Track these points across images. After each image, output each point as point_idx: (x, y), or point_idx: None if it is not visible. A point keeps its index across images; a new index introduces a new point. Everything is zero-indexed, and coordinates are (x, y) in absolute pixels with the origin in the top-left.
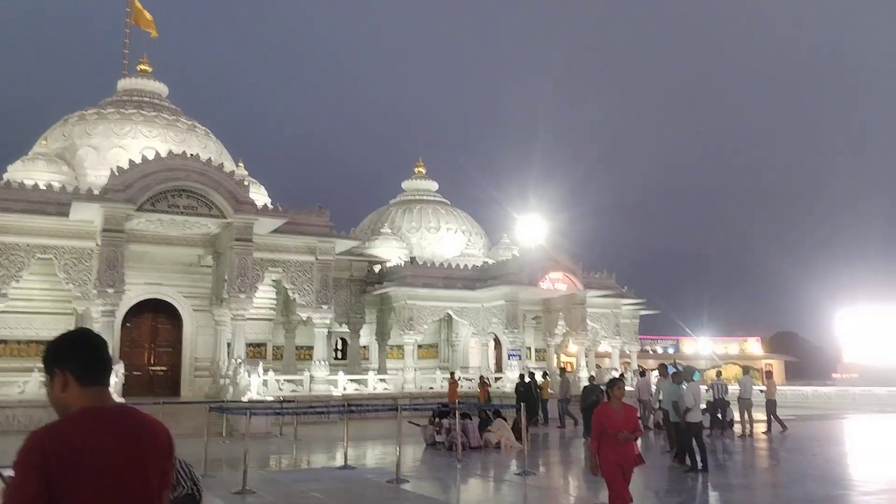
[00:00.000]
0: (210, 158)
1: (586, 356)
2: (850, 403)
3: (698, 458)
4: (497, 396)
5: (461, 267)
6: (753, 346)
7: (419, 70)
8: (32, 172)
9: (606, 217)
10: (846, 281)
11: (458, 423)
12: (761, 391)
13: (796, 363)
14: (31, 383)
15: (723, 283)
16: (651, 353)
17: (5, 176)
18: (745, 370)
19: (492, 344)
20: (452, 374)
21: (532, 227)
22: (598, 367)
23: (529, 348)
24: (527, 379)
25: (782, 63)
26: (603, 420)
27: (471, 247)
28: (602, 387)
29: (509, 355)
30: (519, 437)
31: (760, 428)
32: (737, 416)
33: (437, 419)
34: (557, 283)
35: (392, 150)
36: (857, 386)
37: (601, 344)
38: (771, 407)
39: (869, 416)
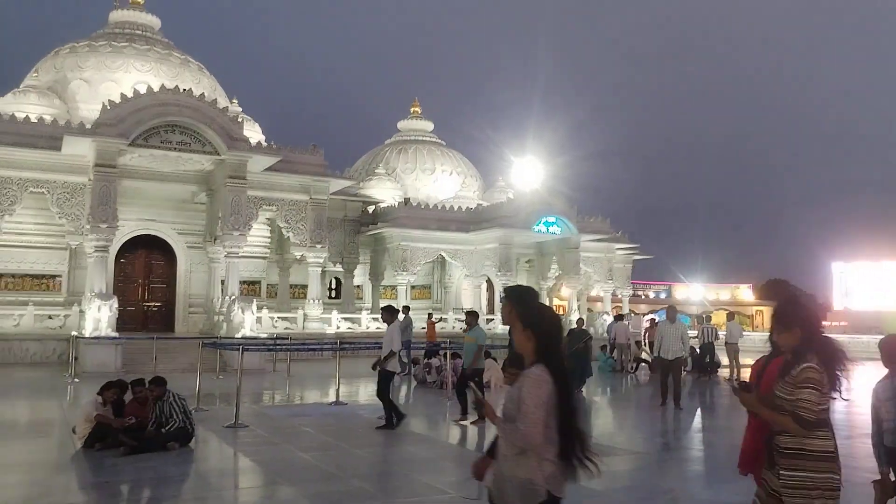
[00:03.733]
0: (203, 94)
1: (578, 300)
2: None
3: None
4: (489, 338)
5: (455, 209)
6: (745, 292)
7: (417, 7)
8: (24, 105)
9: (603, 163)
10: (842, 232)
11: (448, 363)
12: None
13: None
14: (26, 316)
15: (717, 230)
16: (643, 297)
17: None
18: (731, 315)
19: (484, 286)
20: (430, 314)
21: (528, 171)
22: (589, 310)
23: None
24: None
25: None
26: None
27: (465, 189)
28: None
29: (502, 298)
30: None
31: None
32: (725, 361)
33: (425, 359)
34: (551, 226)
35: (388, 90)
36: (846, 334)
37: (594, 288)
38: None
39: (856, 364)
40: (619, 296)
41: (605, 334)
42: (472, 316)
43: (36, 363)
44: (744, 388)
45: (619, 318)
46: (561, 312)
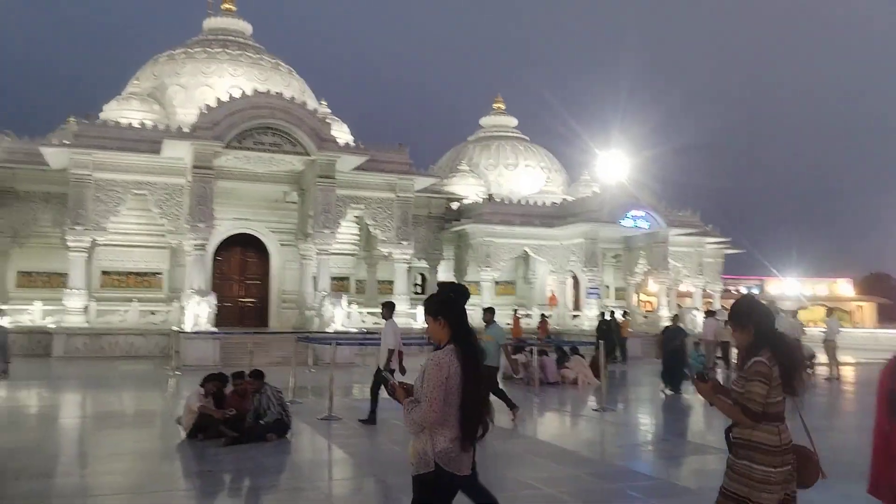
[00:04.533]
0: (293, 96)
1: (667, 296)
2: None
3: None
4: (575, 334)
5: (539, 204)
6: (844, 287)
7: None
8: (126, 112)
9: (692, 155)
10: None
11: (535, 359)
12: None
13: (889, 305)
14: (130, 312)
15: (813, 222)
16: (735, 293)
17: (101, 115)
18: (830, 311)
19: (570, 282)
20: (515, 310)
21: (613, 164)
22: (679, 307)
23: (608, 287)
24: (607, 317)
25: None
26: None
27: (550, 184)
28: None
29: (588, 293)
30: (597, 374)
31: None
32: (824, 359)
33: (512, 355)
34: (639, 220)
35: (471, 87)
36: None
37: (683, 283)
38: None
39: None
40: (710, 291)
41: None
42: (489, 313)
43: (140, 356)
44: (700, 379)
45: (709, 313)
46: (649, 308)
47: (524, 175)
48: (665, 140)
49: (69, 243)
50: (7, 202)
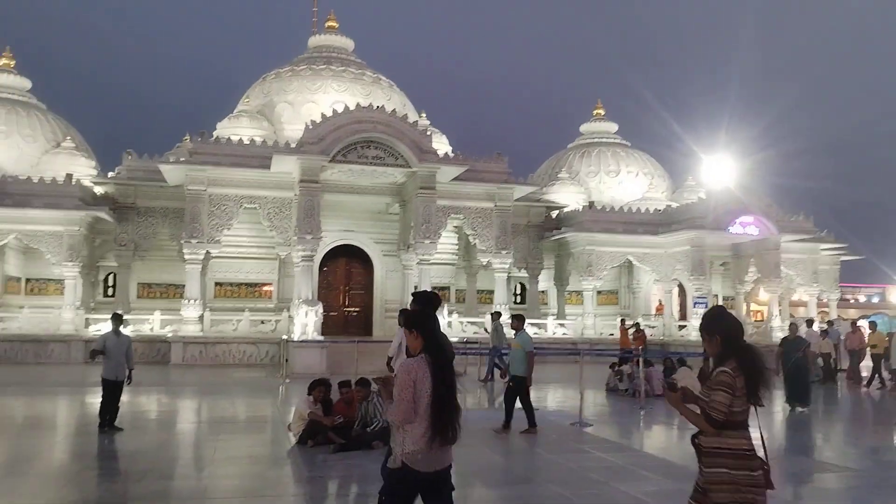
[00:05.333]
0: (394, 110)
1: (779, 305)
2: None
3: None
4: (682, 344)
5: (642, 211)
6: None
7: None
8: (237, 129)
9: (806, 158)
10: None
11: (641, 370)
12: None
13: None
14: (242, 322)
15: None
16: (853, 301)
17: (215, 133)
18: None
19: (675, 291)
20: (623, 320)
21: (720, 169)
22: (791, 316)
23: (717, 296)
24: None
25: None
26: None
27: (653, 190)
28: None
29: (695, 303)
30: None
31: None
32: None
33: (617, 366)
34: (748, 226)
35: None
36: None
37: (796, 292)
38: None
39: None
40: (826, 300)
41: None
42: (518, 320)
43: (251, 364)
44: (671, 388)
45: (809, 322)
46: (759, 318)
47: (626, 181)
48: (776, 142)
49: (185, 256)
50: (129, 217)
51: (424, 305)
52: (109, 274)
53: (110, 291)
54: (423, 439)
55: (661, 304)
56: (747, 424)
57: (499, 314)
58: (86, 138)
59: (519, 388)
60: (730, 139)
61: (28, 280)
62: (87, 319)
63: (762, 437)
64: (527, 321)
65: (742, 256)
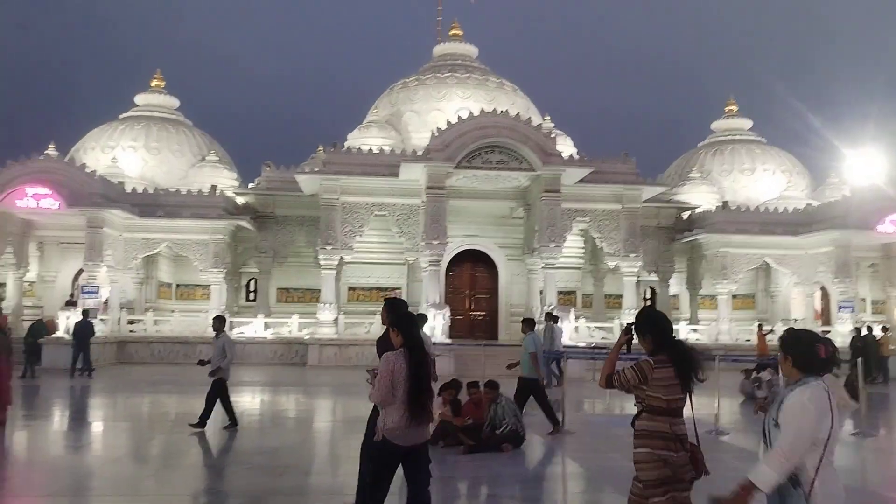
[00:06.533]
0: (518, 114)
1: None
2: None
3: None
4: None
5: (780, 210)
6: None
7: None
8: (367, 139)
9: None
10: None
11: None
12: None
13: None
14: (375, 325)
15: None
16: None
17: (346, 143)
18: None
19: (818, 294)
20: (760, 325)
21: (866, 165)
22: None
23: (864, 299)
24: (863, 333)
25: None
26: None
27: (791, 188)
28: None
29: (840, 307)
30: (854, 396)
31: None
32: None
33: (754, 372)
34: None
35: (699, 91)
36: None
37: None
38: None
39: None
40: None
41: None
42: (526, 324)
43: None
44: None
45: None
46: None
47: (762, 180)
48: None
49: (321, 262)
50: (268, 226)
51: (392, 311)
52: (251, 279)
53: (252, 296)
54: (401, 419)
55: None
56: (681, 412)
57: (555, 317)
58: (227, 151)
59: (529, 390)
60: (877, 133)
61: (178, 285)
62: (231, 322)
63: (694, 423)
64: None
65: (893, 257)
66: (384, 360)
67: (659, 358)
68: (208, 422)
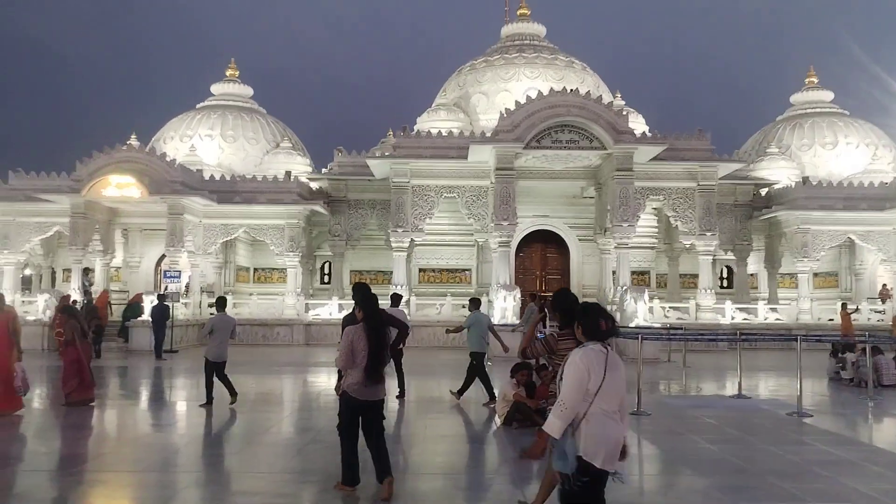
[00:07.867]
0: (588, 92)
1: None
2: None
3: None
4: (872, 332)
5: (865, 185)
6: None
7: None
8: (436, 122)
9: None
10: None
11: (868, 359)
12: None
13: None
14: (445, 306)
15: None
16: None
17: (416, 127)
18: None
19: None
20: (844, 304)
21: None
22: None
23: None
24: None
25: None
26: None
27: (877, 161)
28: None
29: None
30: None
31: None
32: None
33: (840, 353)
34: None
35: (776, 64)
36: None
37: None
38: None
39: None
40: None
41: None
42: (472, 303)
43: (455, 347)
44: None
45: None
46: None
47: (845, 154)
48: None
49: (392, 244)
50: (341, 210)
51: (357, 293)
52: (325, 262)
53: (326, 279)
54: (360, 379)
55: (884, 287)
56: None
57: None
58: (300, 138)
59: (479, 361)
60: None
61: (255, 269)
62: (307, 304)
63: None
64: (734, 306)
65: None
66: (345, 333)
67: (564, 332)
68: (289, 404)
